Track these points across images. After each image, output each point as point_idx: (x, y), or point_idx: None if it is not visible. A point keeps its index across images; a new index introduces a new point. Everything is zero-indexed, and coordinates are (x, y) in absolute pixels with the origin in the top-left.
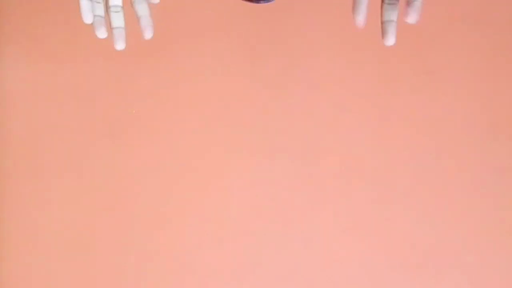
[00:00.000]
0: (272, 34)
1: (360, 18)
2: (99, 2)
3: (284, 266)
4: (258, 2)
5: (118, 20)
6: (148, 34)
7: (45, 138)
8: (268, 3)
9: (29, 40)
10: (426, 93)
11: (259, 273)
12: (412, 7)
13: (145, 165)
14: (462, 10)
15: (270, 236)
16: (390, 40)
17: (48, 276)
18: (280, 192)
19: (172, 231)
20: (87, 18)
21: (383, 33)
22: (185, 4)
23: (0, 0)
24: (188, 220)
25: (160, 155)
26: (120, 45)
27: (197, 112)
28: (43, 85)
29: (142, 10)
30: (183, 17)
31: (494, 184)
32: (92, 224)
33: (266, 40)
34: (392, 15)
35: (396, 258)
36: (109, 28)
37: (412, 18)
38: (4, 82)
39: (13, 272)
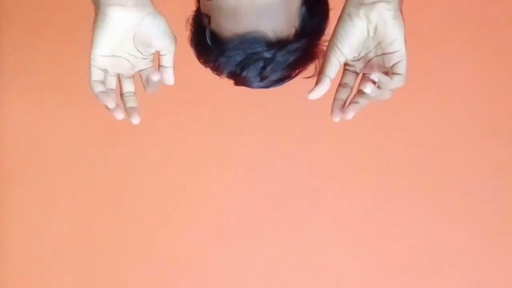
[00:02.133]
0: None
1: (336, 120)
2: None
3: (283, 265)
4: (252, 87)
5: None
6: (136, 120)
7: (46, 139)
8: (265, 88)
9: (30, 40)
10: (426, 93)
11: (259, 273)
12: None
13: (145, 166)
14: (462, 10)
15: (270, 236)
16: (335, 118)
17: (49, 276)
18: (280, 192)
19: (173, 232)
20: (111, 104)
21: (331, 109)
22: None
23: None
24: (188, 220)
25: (160, 156)
26: (135, 120)
27: (198, 113)
28: (43, 84)
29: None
30: (184, 28)
31: (494, 184)
32: (93, 225)
33: None
34: (342, 94)
35: (396, 258)
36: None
37: (348, 114)
38: (5, 80)
39: (13, 272)
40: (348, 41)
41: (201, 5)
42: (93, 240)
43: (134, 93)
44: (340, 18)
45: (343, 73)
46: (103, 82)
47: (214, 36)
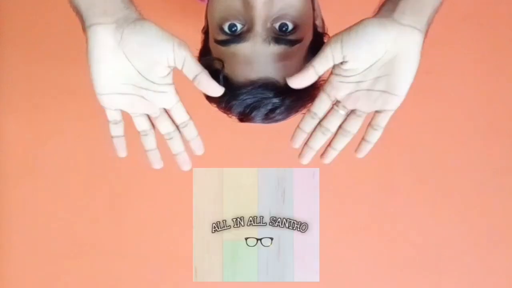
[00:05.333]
0: None
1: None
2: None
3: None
4: (256, 123)
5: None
6: (186, 167)
7: (46, 139)
8: (267, 124)
9: (30, 41)
10: (426, 93)
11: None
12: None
13: (145, 166)
14: (462, 10)
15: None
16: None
17: (48, 276)
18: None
19: (172, 232)
20: (122, 153)
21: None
22: (186, 26)
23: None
24: (188, 220)
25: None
26: (158, 165)
27: (197, 113)
28: (43, 84)
29: (178, 146)
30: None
31: (494, 184)
32: (92, 225)
33: None
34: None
35: (396, 258)
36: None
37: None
38: (5, 80)
39: (13, 272)
40: (358, 42)
41: (213, 48)
42: (93, 241)
43: (173, 131)
44: (366, 19)
45: (330, 112)
46: (118, 123)
47: (227, 80)
